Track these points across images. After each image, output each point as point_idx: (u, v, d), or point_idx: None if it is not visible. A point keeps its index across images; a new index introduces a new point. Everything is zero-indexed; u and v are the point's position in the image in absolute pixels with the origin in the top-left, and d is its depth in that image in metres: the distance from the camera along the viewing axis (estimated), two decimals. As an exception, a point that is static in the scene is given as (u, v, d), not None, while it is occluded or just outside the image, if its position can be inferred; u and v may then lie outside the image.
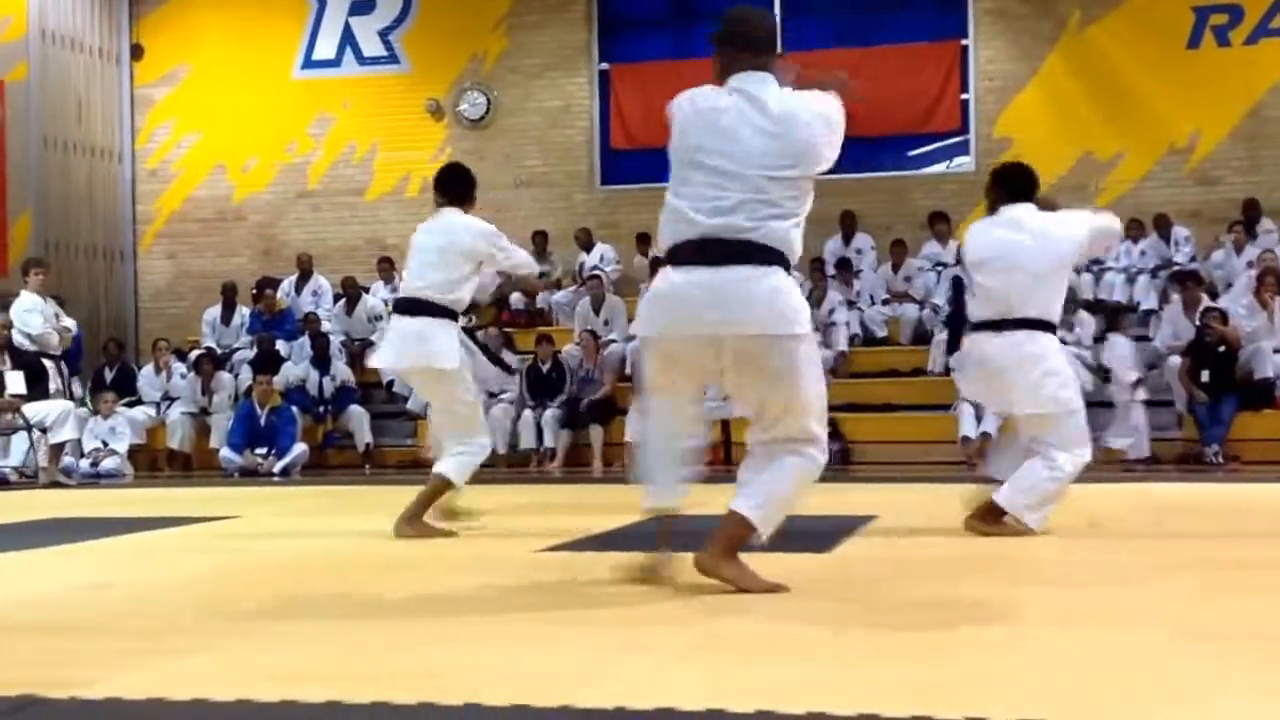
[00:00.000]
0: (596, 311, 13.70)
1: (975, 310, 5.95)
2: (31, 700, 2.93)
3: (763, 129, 4.20)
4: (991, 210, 6.05)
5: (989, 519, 5.94)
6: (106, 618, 4.14)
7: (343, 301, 14.46)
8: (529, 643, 3.57)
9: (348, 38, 15.64)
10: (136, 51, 16.01)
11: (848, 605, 4.17)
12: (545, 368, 13.02)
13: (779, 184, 4.18)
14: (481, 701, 2.83)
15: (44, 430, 11.19)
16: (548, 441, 12.72)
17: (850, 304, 13.69)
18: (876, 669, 3.17)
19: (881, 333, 13.69)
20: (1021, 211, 5.90)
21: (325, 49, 15.67)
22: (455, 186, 6.61)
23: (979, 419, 11.89)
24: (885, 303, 13.87)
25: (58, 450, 11.25)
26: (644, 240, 14.23)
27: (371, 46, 15.60)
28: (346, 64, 15.62)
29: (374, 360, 6.77)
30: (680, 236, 4.19)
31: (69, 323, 12.77)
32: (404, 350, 6.32)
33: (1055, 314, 5.91)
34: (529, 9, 15.25)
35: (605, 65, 15.26)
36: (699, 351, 4.20)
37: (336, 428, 13.27)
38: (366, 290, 14.58)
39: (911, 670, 3.15)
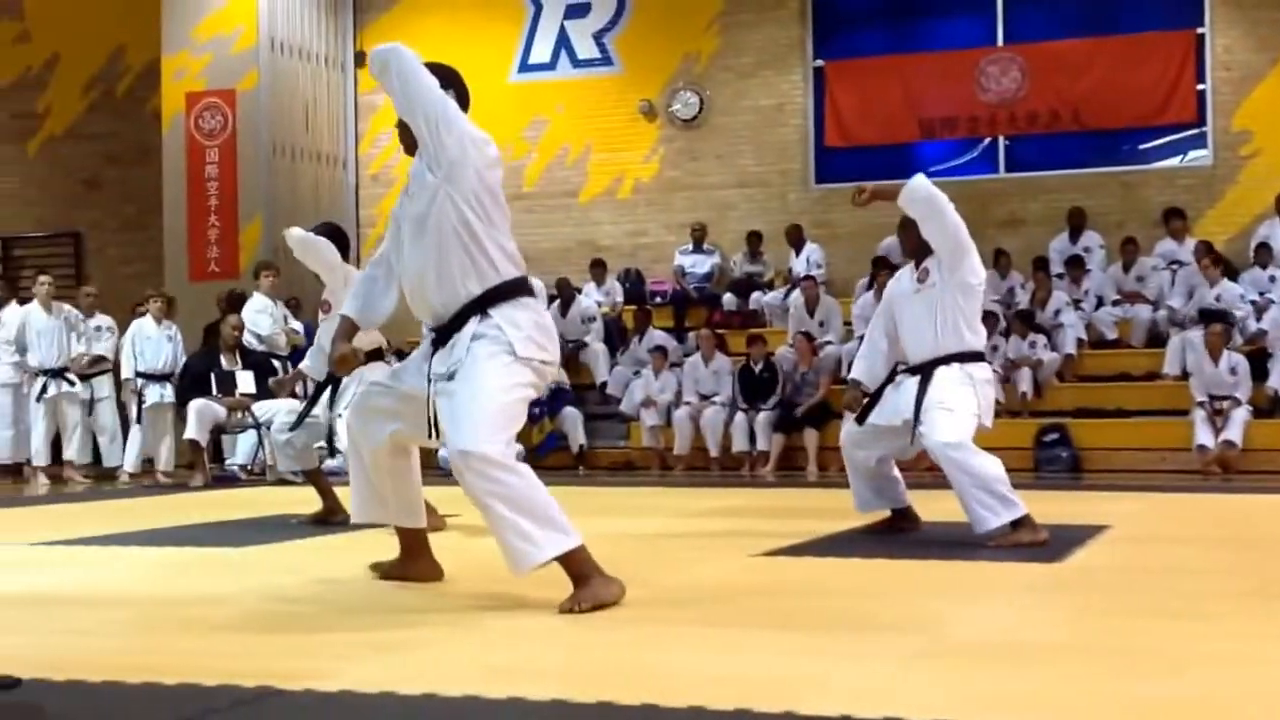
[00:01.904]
0: (811, 313, 13.53)
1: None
2: (269, 691, 2.98)
3: None
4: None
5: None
6: (337, 612, 4.21)
7: (556, 303, 14.59)
8: (750, 646, 3.52)
9: (563, 41, 15.79)
10: (360, 59, 16.42)
11: (1081, 616, 4.02)
12: (758, 369, 12.89)
13: None
14: (705, 705, 2.79)
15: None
16: (760, 445, 12.59)
17: (1077, 304, 13.23)
18: (1111, 684, 3.04)
19: (1112, 335, 13.15)
20: None
21: (541, 53, 15.86)
22: None
23: (1217, 428, 11.34)
24: (1116, 303, 13.32)
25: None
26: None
27: (586, 49, 15.72)
28: (561, 67, 15.78)
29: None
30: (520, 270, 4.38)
31: (297, 325, 13.19)
32: None
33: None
34: (743, 7, 15.16)
35: (820, 62, 15.05)
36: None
37: (553, 429, 13.38)
38: (579, 292, 14.69)
39: (1150, 686, 3.02)
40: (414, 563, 4.83)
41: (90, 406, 12.55)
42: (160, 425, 12.35)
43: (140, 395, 12.31)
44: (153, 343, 12.44)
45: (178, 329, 12.84)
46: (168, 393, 12.35)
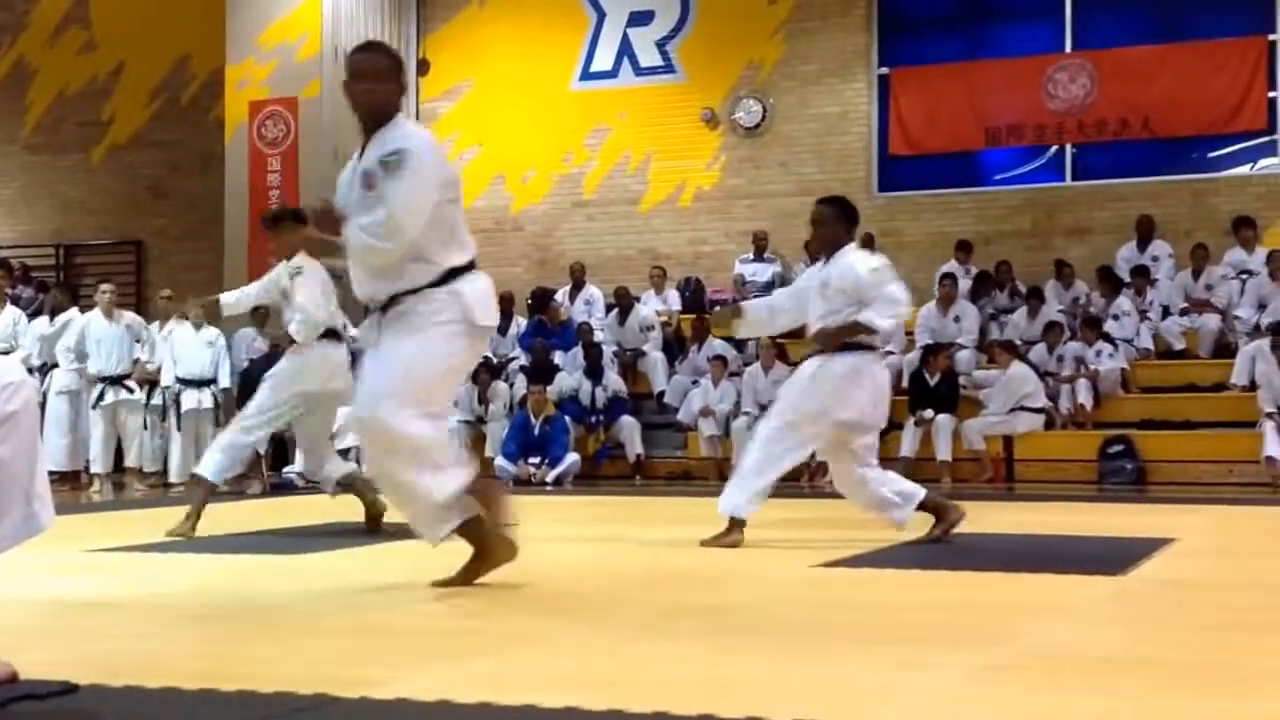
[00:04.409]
0: (871, 322, 13.41)
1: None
2: (325, 699, 2.97)
3: None
4: (836, 245, 6.25)
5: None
6: (395, 619, 4.21)
7: (615, 311, 14.58)
8: (812, 658, 3.47)
9: (625, 49, 15.79)
10: (423, 67, 16.54)
11: (1149, 630, 3.96)
12: (818, 379, 12.79)
13: None
14: (763, 715, 2.75)
15: (330, 437, 11.54)
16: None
17: (1142, 314, 13.06)
18: (1180, 699, 2.97)
19: (1179, 345, 12.97)
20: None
21: (603, 61, 15.87)
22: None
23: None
24: (1184, 312, 13.13)
25: (342, 456, 11.58)
26: (965, 248, 14.00)
27: (648, 57, 15.71)
28: (623, 75, 15.78)
29: None
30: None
31: (355, 332, 13.19)
32: None
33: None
34: (808, 14, 15.09)
35: (885, 69, 14.96)
36: None
37: (608, 439, 13.36)
38: (638, 300, 14.67)
39: (1218, 702, 2.94)
40: (490, 552, 4.71)
41: (163, 414, 12.57)
42: (201, 432, 12.36)
43: (178, 401, 12.33)
44: (190, 349, 12.45)
45: (221, 334, 12.84)
46: (205, 398, 12.38)
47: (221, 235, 15.59)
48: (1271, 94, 13.68)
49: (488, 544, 4.67)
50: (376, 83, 4.65)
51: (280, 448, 12.46)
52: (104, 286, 12.84)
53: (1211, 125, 13.90)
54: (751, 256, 14.84)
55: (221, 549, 6.34)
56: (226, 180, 15.55)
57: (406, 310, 4.56)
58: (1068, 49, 14.38)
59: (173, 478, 12.36)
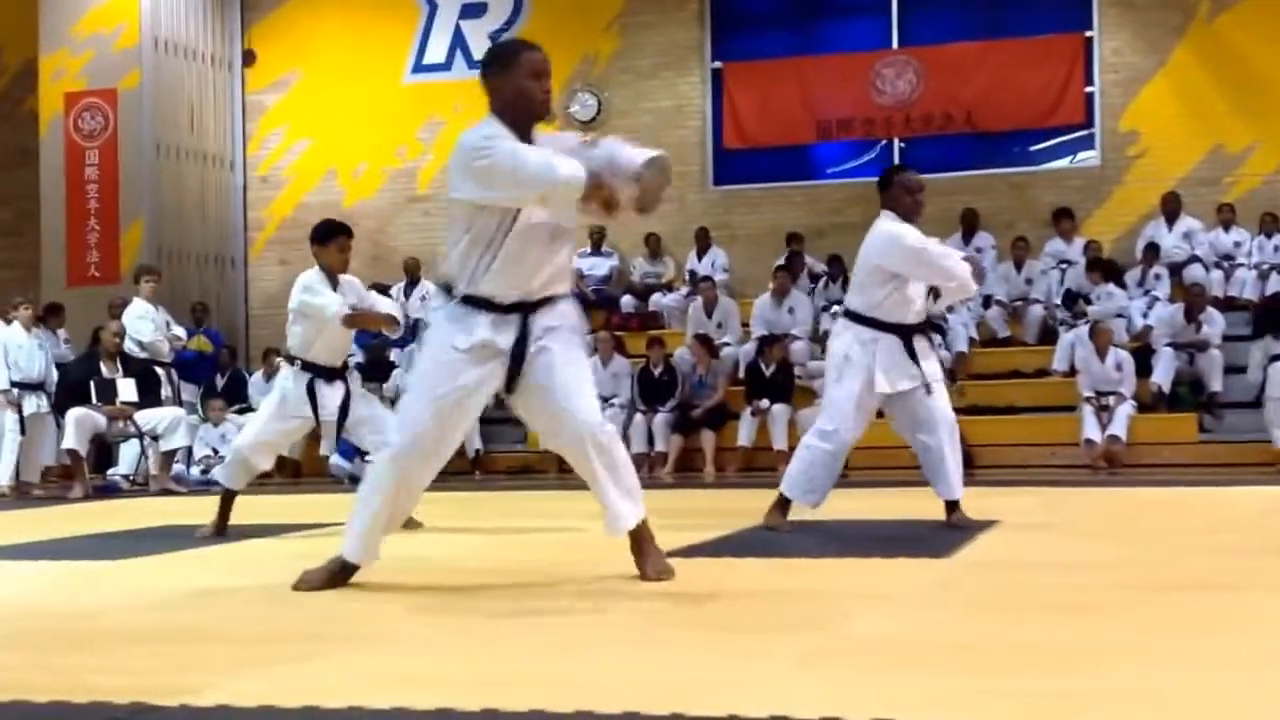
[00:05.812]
0: (709, 315, 13.55)
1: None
2: (142, 708, 2.88)
3: None
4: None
5: (776, 512, 6.32)
6: (218, 624, 4.10)
7: (453, 306, 14.44)
8: (643, 649, 3.48)
9: (458, 41, 15.65)
10: (248, 58, 16.17)
11: (973, 611, 4.04)
12: (657, 371, 12.88)
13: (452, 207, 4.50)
14: (592, 709, 2.74)
15: (155, 438, 11.26)
16: (658, 446, 12.58)
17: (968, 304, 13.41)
18: (1004, 680, 3.03)
19: (1004, 333, 13.35)
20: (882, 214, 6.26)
21: (436, 53, 15.71)
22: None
23: (1103, 423, 11.56)
24: (1005, 307, 13.50)
25: (169, 458, 11.30)
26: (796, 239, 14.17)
27: (482, 49, 15.55)
28: (457, 68, 15.63)
29: None
30: None
31: (180, 330, 12.88)
32: None
33: (866, 306, 6.24)
34: (641, 8, 15.14)
35: (718, 64, 15.09)
36: None
37: (447, 434, 13.22)
38: (475, 295, 14.56)
39: (1040, 681, 3.00)
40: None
41: None
42: (39, 435, 11.94)
43: (19, 406, 11.88)
44: (25, 351, 11.98)
45: (48, 336, 12.42)
46: (43, 403, 11.95)
47: (38, 232, 15.05)
48: (1089, 89, 14.15)
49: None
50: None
51: (104, 450, 12.09)
52: None
53: (1031, 119, 14.32)
54: (589, 250, 14.86)
55: (38, 554, 6.12)
56: (42, 175, 15.01)
57: (565, 313, 4.57)
58: (894, 45, 14.68)
59: (4, 482, 11.91)
